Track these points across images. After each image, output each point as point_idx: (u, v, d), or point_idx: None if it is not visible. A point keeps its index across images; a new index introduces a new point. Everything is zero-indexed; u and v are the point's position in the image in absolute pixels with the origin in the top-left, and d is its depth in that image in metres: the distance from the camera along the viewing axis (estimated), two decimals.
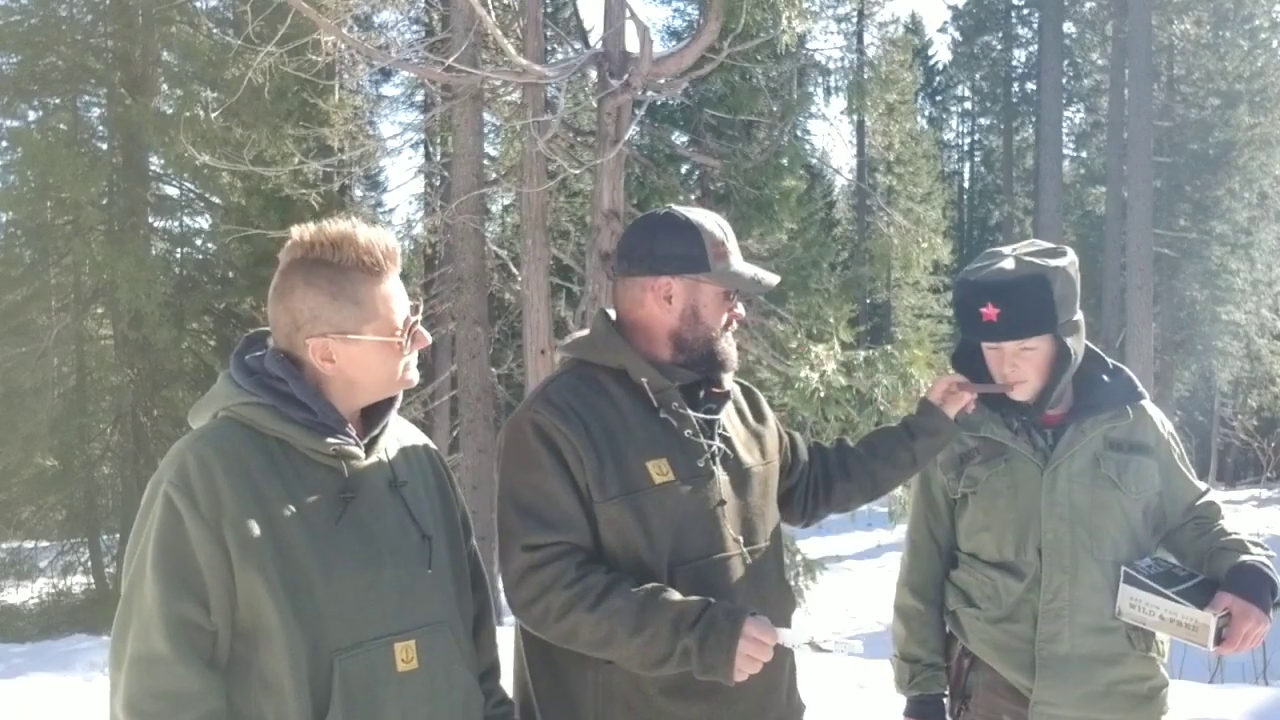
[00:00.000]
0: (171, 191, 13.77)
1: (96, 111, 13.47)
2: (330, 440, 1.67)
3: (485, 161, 12.55)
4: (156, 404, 12.79)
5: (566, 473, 1.90)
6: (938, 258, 14.01)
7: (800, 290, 11.06)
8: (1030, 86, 31.94)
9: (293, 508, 1.63)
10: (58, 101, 13.24)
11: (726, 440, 2.06)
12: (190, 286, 13.04)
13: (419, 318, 1.78)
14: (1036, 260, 2.39)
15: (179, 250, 13.88)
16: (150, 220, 13.23)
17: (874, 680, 6.28)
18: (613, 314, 2.11)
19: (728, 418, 2.11)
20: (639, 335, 2.04)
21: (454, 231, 11.26)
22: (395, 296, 1.73)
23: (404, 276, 1.79)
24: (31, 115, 13.32)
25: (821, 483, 2.29)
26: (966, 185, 38.81)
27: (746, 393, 2.25)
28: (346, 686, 1.62)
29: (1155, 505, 2.51)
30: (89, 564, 13.26)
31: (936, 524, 2.64)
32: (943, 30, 38.94)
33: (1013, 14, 32.25)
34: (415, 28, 13.98)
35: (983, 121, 37.91)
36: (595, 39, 9.85)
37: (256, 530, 1.59)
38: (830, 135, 45.65)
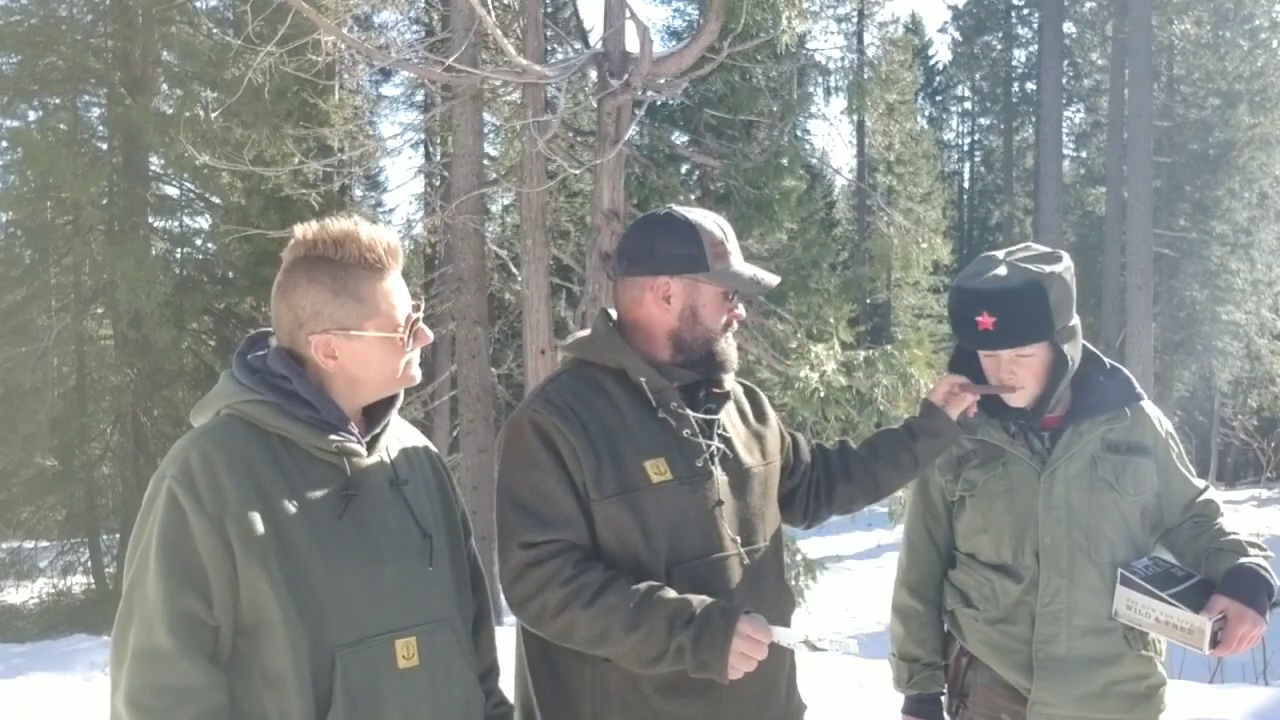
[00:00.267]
0: (171, 191, 13.78)
1: (96, 111, 13.48)
2: (333, 437, 1.68)
3: (485, 161, 12.55)
4: (156, 404, 12.79)
5: (564, 472, 1.91)
6: (938, 258, 14.02)
7: (800, 290, 11.06)
8: (1030, 86, 31.95)
9: (295, 504, 1.64)
10: (58, 101, 13.25)
11: (726, 440, 2.06)
12: (190, 286, 13.04)
13: (420, 315, 1.79)
14: (1032, 267, 2.38)
15: (179, 250, 13.89)
16: (150, 220, 13.23)
17: (874, 680, 6.28)
18: (613, 314, 2.11)
19: (728, 418, 2.11)
20: (638, 335, 2.05)
21: (454, 231, 11.26)
22: (397, 293, 1.74)
23: (404, 276, 1.80)
24: (32, 115, 13.33)
25: (823, 484, 2.29)
26: (966, 185, 38.83)
27: (748, 393, 2.25)
28: (348, 682, 1.63)
29: (1153, 506, 2.51)
30: (89, 564, 13.27)
31: (935, 525, 2.64)
32: (943, 30, 39.00)
33: (1013, 14, 32.26)
34: (415, 28, 13.98)
35: (983, 121, 37.93)
36: (595, 39, 9.85)
37: (260, 526, 1.60)
38: (830, 135, 45.74)
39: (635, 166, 10.63)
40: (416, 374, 1.81)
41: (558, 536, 1.88)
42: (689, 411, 2.01)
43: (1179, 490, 2.54)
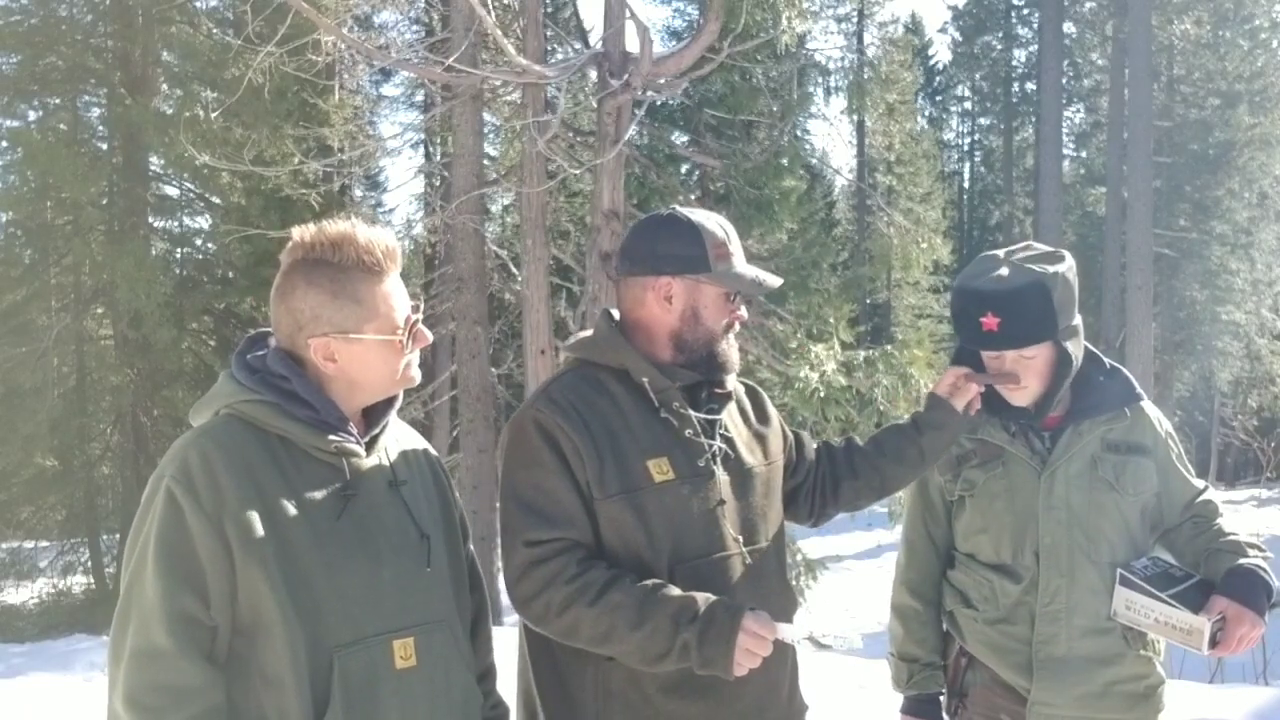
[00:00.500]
0: (171, 191, 13.77)
1: (96, 111, 13.47)
2: (332, 438, 1.69)
3: (485, 161, 12.56)
4: (156, 404, 12.79)
5: (567, 470, 1.92)
6: (938, 258, 14.00)
7: (800, 290, 11.06)
8: (1030, 86, 31.96)
9: (294, 504, 1.64)
10: (58, 101, 13.25)
11: (728, 440, 2.06)
12: (190, 286, 13.04)
13: (419, 316, 1.79)
14: (1034, 267, 2.37)
15: (179, 250, 13.89)
16: (150, 220, 13.23)
17: (874, 680, 6.29)
18: (616, 314, 2.12)
19: (730, 418, 2.11)
20: (640, 335, 2.06)
21: (454, 231, 11.27)
22: (396, 295, 1.75)
23: (404, 277, 1.80)
24: (32, 115, 13.32)
25: (829, 481, 2.29)
26: (966, 185, 38.84)
27: (751, 393, 2.25)
28: (346, 682, 1.63)
29: (1153, 506, 2.51)
30: (89, 564, 13.27)
31: (934, 524, 2.64)
32: (943, 30, 39.02)
33: (1013, 14, 32.27)
34: (415, 28, 13.99)
35: (983, 121, 37.94)
36: (595, 39, 9.85)
37: (258, 525, 1.60)
38: (830, 135, 45.77)
39: (635, 166, 10.63)
40: (416, 375, 1.81)
41: (561, 535, 1.89)
42: (691, 411, 2.01)
43: (1178, 490, 2.54)
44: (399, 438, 1.88)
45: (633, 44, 8.50)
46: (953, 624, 2.60)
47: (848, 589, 14.36)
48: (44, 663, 7.90)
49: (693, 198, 11.47)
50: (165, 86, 13.19)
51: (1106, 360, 2.59)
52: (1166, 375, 22.61)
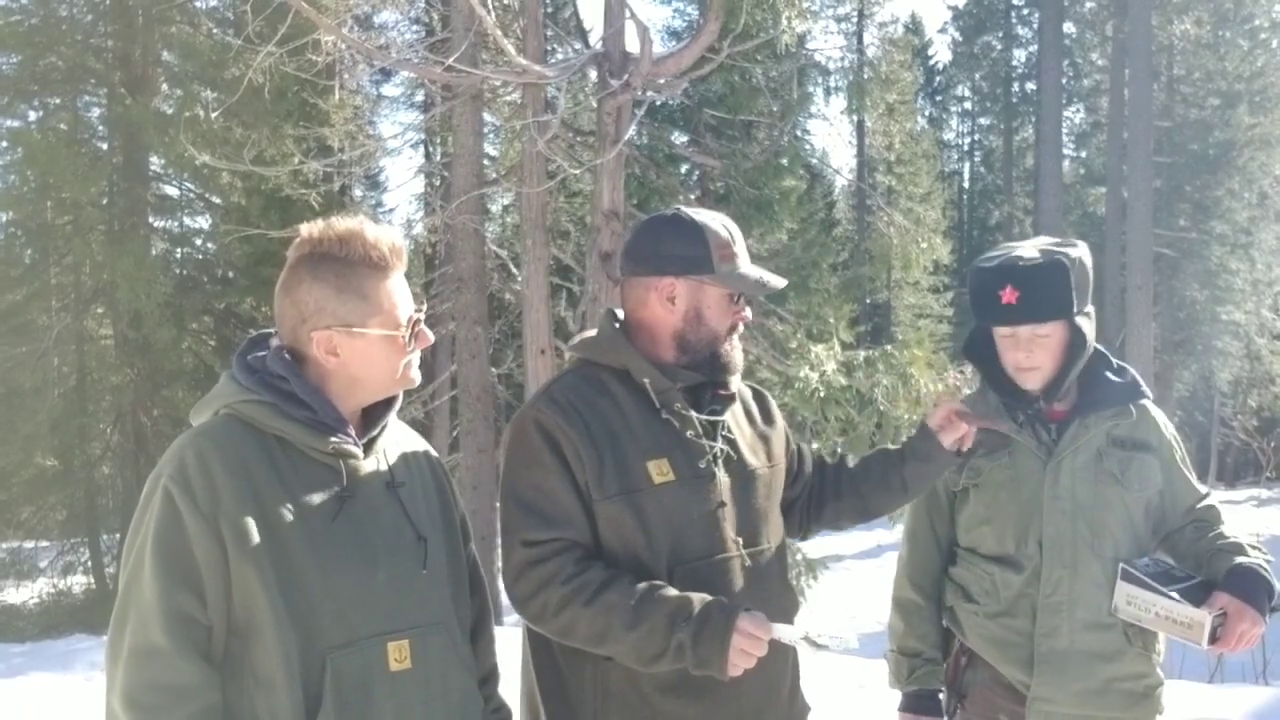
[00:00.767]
0: (172, 191, 13.76)
1: (97, 111, 13.46)
2: (330, 439, 1.69)
3: (485, 161, 12.57)
4: (156, 404, 12.79)
5: (567, 470, 1.92)
6: (937, 258, 14.02)
7: (800, 290, 11.08)
8: (1030, 86, 31.97)
9: (290, 505, 1.65)
10: (58, 101, 13.24)
11: (731, 442, 2.06)
12: (190, 286, 13.04)
13: (422, 317, 1.80)
14: (1054, 249, 2.43)
15: (179, 250, 13.87)
16: (150, 220, 13.21)
17: (873, 680, 6.29)
18: (620, 314, 2.12)
19: (733, 419, 2.11)
20: (643, 336, 2.05)
21: (454, 231, 11.27)
22: (400, 293, 1.75)
23: (405, 277, 1.81)
24: (32, 115, 13.31)
25: (815, 499, 2.28)
26: (966, 185, 38.86)
27: (756, 395, 2.25)
28: (339, 684, 1.63)
29: (1156, 504, 2.52)
30: (89, 564, 13.26)
31: (937, 518, 2.65)
32: (943, 30, 39.02)
33: (1013, 14, 32.28)
34: (415, 28, 14.00)
35: (983, 121, 37.96)
36: (595, 39, 9.84)
37: (253, 527, 1.60)
38: (830, 135, 45.94)
39: (635, 166, 10.64)
40: (416, 377, 1.81)
41: (559, 535, 1.90)
42: (692, 413, 2.01)
43: (1182, 492, 2.55)
44: (398, 439, 1.88)
45: (633, 44, 8.51)
46: (953, 620, 2.60)
47: (848, 589, 14.36)
48: (44, 662, 7.90)
49: (692, 198, 11.47)
50: (165, 86, 13.18)
51: (1114, 359, 2.61)
52: (1166, 375, 22.62)
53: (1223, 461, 28.13)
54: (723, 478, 2.01)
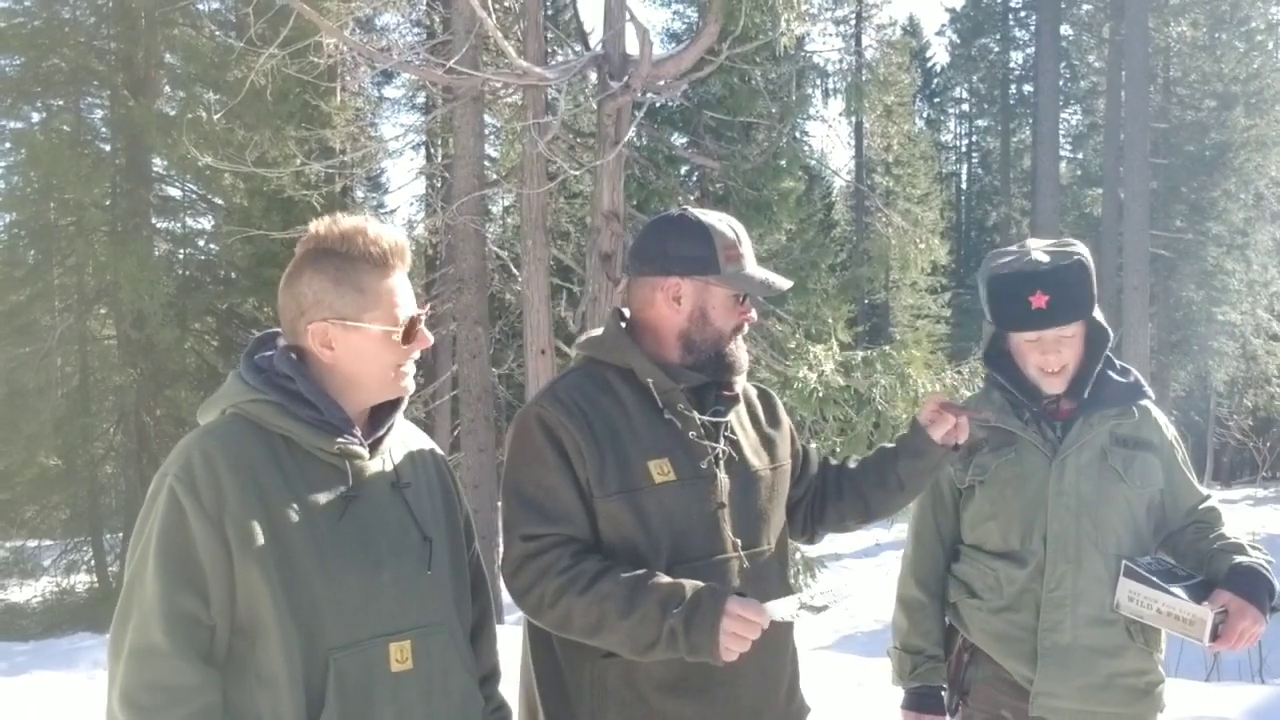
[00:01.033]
0: (174, 193, 13.77)
1: (99, 113, 13.46)
2: (336, 440, 1.69)
3: (486, 163, 12.61)
4: (159, 404, 12.80)
5: (568, 467, 1.93)
6: (935, 258, 14.08)
7: (799, 291, 11.11)
8: (1027, 88, 32.00)
9: (295, 506, 1.65)
10: (61, 103, 13.24)
11: (734, 443, 2.06)
12: (193, 287, 13.04)
13: (423, 317, 1.79)
14: (1066, 250, 2.47)
15: (182, 251, 13.87)
16: (153, 221, 13.21)
17: (872, 678, 6.33)
18: (626, 313, 2.13)
19: (737, 420, 2.11)
20: (649, 335, 2.06)
21: (455, 232, 11.31)
22: (399, 292, 1.74)
23: (407, 277, 1.81)
24: (35, 117, 13.29)
25: (818, 500, 2.27)
26: (964, 186, 38.88)
27: (762, 395, 2.26)
28: (341, 685, 1.63)
29: (1158, 503, 2.55)
30: (92, 563, 13.26)
31: (942, 516, 2.67)
32: (940, 33, 39.00)
33: (1010, 16, 32.29)
34: (416, 30, 14.05)
35: (980, 123, 37.98)
36: (595, 41, 9.90)
37: (258, 527, 1.60)
38: (829, 137, 45.84)
39: (635, 168, 10.69)
40: (410, 385, 1.79)
41: (557, 530, 1.91)
42: (695, 413, 2.02)
43: (1183, 493, 2.58)
44: (405, 439, 1.87)
45: (633, 46, 8.56)
46: (956, 616, 2.62)
47: (846, 587, 14.39)
48: (47, 661, 7.91)
49: (692, 199, 11.53)
50: (168, 88, 13.19)
51: (1117, 360, 2.65)
52: (1163, 375, 22.67)
53: (1218, 461, 28.16)
54: (724, 479, 2.01)
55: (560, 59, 10.67)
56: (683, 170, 13.30)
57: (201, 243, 14.05)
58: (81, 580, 13.17)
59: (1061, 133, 26.37)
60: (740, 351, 2.08)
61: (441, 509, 1.87)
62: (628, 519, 1.93)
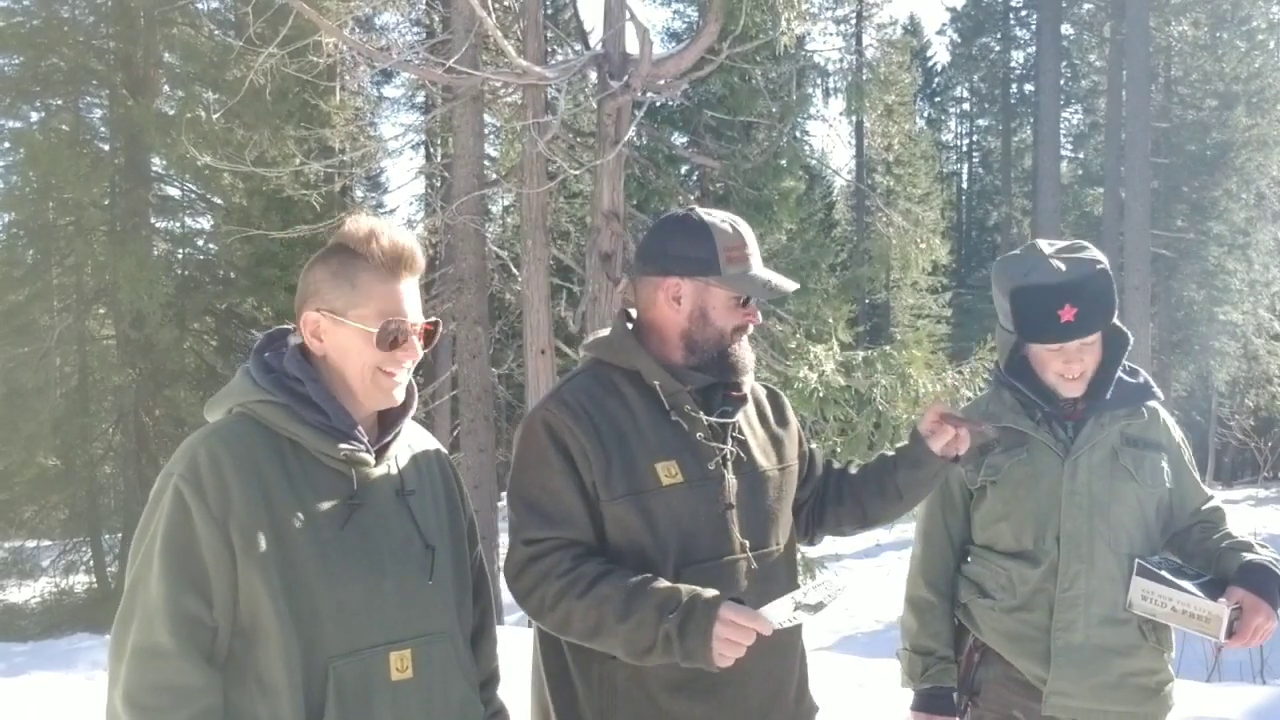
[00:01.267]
0: (173, 192, 13.76)
1: (98, 112, 13.46)
2: (342, 446, 1.68)
3: (485, 162, 12.59)
4: (158, 404, 12.80)
5: (574, 471, 1.93)
6: (936, 258, 14.07)
7: (799, 291, 11.04)
8: (1028, 88, 32.00)
9: (300, 511, 1.64)
10: (60, 103, 13.23)
11: (742, 444, 2.06)
12: (192, 287, 13.03)
13: (415, 326, 1.74)
14: (1082, 256, 2.47)
15: (181, 251, 13.87)
16: (152, 221, 13.21)
17: (873, 679, 6.32)
18: (635, 314, 2.13)
19: (746, 420, 2.11)
20: (654, 336, 2.06)
21: (454, 232, 11.30)
22: (396, 298, 1.72)
23: (416, 287, 1.79)
24: (34, 116, 13.28)
25: (818, 503, 2.26)
26: (965, 186, 38.87)
27: (771, 395, 2.25)
28: (341, 692, 1.63)
29: (1166, 503, 2.56)
30: (91, 563, 13.26)
31: (952, 517, 2.67)
32: (941, 32, 39.05)
33: (1011, 16, 32.29)
34: (416, 29, 14.05)
35: (981, 123, 37.98)
36: (595, 40, 9.89)
37: (262, 532, 1.60)
38: (829, 136, 45.74)
39: (635, 167, 10.68)
40: (399, 395, 1.77)
41: (560, 534, 1.91)
42: (702, 415, 2.01)
43: (1190, 493, 2.60)
44: (412, 443, 1.87)
45: (633, 45, 8.56)
46: (967, 617, 2.62)
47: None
48: (46, 662, 7.90)
49: (692, 198, 11.51)
50: (167, 87, 13.18)
51: (1126, 361, 2.65)
52: (1164, 375, 22.66)
53: (1220, 461, 28.15)
54: (731, 480, 2.00)
55: (560, 58, 10.65)
56: (683, 170, 13.30)
57: (200, 242, 14.04)
58: (80, 581, 13.16)
59: (1062, 132, 26.37)
60: (744, 352, 2.06)
61: (445, 515, 1.86)
62: (635, 521, 1.92)
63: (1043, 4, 24.22)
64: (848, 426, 9.31)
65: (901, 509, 2.23)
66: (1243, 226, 22.70)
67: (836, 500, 2.24)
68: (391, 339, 1.71)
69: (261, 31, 8.51)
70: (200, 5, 13.23)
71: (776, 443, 2.16)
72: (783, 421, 2.21)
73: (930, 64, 36.66)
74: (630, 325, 2.10)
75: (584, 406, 1.98)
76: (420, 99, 17.02)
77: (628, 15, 8.44)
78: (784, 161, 11.35)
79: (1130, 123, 20.21)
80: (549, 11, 13.23)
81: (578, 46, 11.14)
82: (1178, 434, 2.63)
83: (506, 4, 11.00)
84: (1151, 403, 2.59)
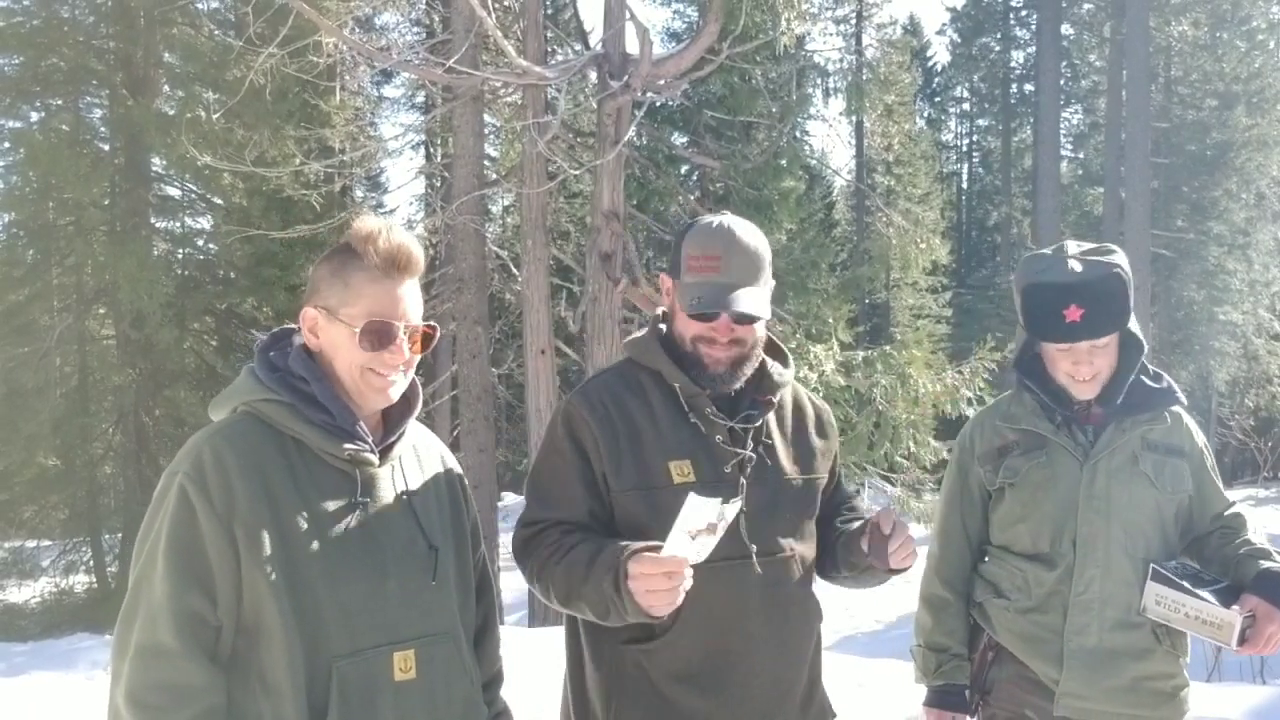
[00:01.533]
0: (173, 192, 13.78)
1: (98, 112, 13.47)
2: (346, 446, 1.69)
3: (485, 162, 12.61)
4: (158, 404, 12.80)
5: (584, 460, 2.01)
6: (936, 258, 14.07)
7: (799, 291, 11.12)
8: (1028, 88, 31.99)
9: (304, 511, 1.65)
10: (60, 103, 13.24)
11: (768, 448, 2.07)
12: (192, 287, 13.04)
13: (406, 331, 1.73)
14: (1102, 259, 2.45)
15: (181, 251, 13.88)
16: (152, 221, 13.23)
17: (873, 679, 6.31)
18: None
19: (777, 427, 2.12)
20: (675, 337, 2.11)
21: (454, 232, 11.31)
22: (385, 297, 1.71)
23: (416, 289, 1.78)
24: (34, 116, 13.29)
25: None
26: (965, 186, 38.85)
27: (818, 409, 2.25)
28: (344, 693, 1.63)
29: (1185, 508, 2.55)
30: (91, 563, 13.28)
31: (970, 516, 2.68)
32: (941, 32, 39.05)
33: (1011, 15, 32.27)
34: (416, 29, 14.06)
35: (981, 122, 37.95)
36: (595, 40, 9.90)
37: (266, 531, 1.61)
38: (829, 136, 45.72)
39: (635, 167, 10.69)
40: (393, 394, 1.76)
41: (555, 514, 2.00)
42: (722, 419, 2.03)
43: (1211, 499, 2.60)
44: (416, 444, 1.87)
45: (633, 45, 8.57)
46: (982, 616, 2.62)
47: (846, 589, 14.37)
48: (46, 662, 7.90)
49: (692, 198, 11.53)
50: (167, 88, 13.20)
51: (1150, 366, 2.64)
52: None
53: (1220, 461, 28.09)
54: (746, 484, 2.01)
55: (560, 58, 10.66)
56: (683, 170, 13.31)
57: (200, 242, 14.06)
58: (80, 581, 13.18)
59: (1062, 132, 26.36)
60: (715, 360, 2.01)
61: (449, 516, 1.87)
62: (642, 513, 1.96)
63: (1043, 4, 24.22)
64: (848, 426, 9.31)
65: (851, 586, 2.23)
66: (1243, 226, 22.69)
67: (823, 538, 2.18)
68: (373, 339, 1.70)
69: (261, 31, 8.53)
70: (200, 5, 13.25)
71: (809, 453, 2.16)
72: (822, 434, 2.22)
73: (930, 64, 36.65)
74: (662, 327, 2.15)
75: (602, 400, 2.05)
76: (420, 99, 17.03)
77: (628, 15, 8.45)
78: (784, 161, 11.36)
79: (1130, 123, 20.20)
80: (549, 11, 13.24)
81: (578, 46, 11.15)
82: (1200, 439, 2.62)
83: (506, 4, 11.00)
84: (1175, 408, 2.58)
